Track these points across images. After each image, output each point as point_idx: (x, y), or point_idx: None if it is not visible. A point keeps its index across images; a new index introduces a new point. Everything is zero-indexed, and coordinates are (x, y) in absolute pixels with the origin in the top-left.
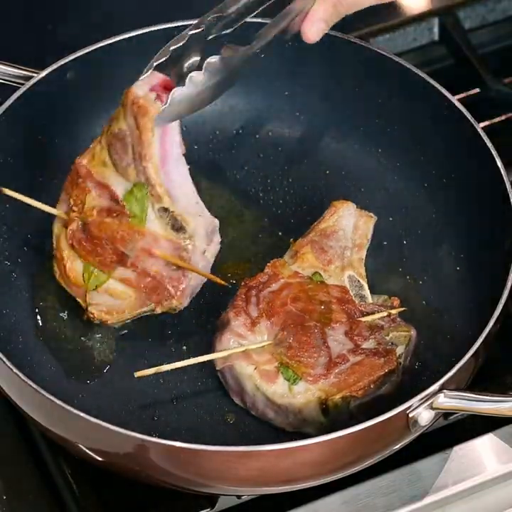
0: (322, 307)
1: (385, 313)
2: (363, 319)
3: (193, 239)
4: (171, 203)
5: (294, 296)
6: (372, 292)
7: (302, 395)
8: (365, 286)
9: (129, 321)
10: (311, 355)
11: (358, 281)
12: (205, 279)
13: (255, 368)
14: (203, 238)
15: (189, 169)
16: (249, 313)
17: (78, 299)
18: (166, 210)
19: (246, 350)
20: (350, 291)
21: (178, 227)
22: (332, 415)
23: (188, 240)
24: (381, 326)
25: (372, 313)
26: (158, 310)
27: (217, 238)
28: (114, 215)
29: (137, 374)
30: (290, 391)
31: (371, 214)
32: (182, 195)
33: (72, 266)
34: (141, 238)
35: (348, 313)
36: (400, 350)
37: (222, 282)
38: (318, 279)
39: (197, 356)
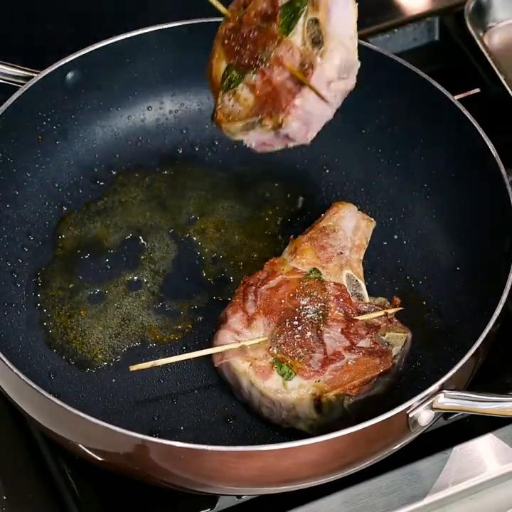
0: (319, 304)
1: (381, 313)
2: (360, 318)
3: (324, 58)
4: (325, 19)
5: (291, 292)
6: (371, 292)
7: (296, 390)
8: (363, 285)
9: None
10: (306, 351)
11: (356, 280)
12: (327, 116)
13: (251, 365)
14: (335, 67)
15: (189, 169)
16: (246, 310)
17: (214, 98)
18: (316, 21)
19: (242, 346)
20: (347, 290)
21: (317, 40)
22: (325, 412)
23: (319, 56)
24: (377, 326)
25: (370, 312)
26: (266, 122)
27: (352, 81)
28: (267, 18)
29: (132, 368)
30: (284, 386)
31: (371, 218)
32: (340, 21)
33: (218, 65)
34: (278, 46)
35: (344, 311)
36: (395, 351)
37: None
38: (316, 275)
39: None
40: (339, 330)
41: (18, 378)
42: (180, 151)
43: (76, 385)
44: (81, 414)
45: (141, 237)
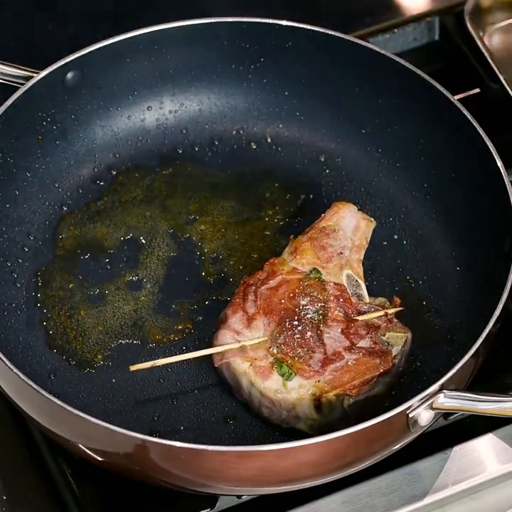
0: (319, 304)
1: (381, 313)
2: (360, 318)
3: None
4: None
5: (291, 292)
6: (371, 292)
7: (296, 390)
8: (363, 285)
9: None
10: (306, 351)
11: (356, 280)
12: None
13: (251, 365)
14: None
15: (189, 169)
16: (246, 310)
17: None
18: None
19: (242, 346)
20: (347, 290)
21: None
22: (325, 412)
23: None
24: (377, 326)
25: (370, 312)
26: None
27: None
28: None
29: (132, 368)
30: (284, 387)
31: (372, 218)
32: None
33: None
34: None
35: (344, 311)
36: (395, 351)
37: None
38: (316, 275)
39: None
40: (339, 330)
41: (18, 378)
42: (180, 151)
43: (76, 385)
44: (81, 414)
45: (141, 237)
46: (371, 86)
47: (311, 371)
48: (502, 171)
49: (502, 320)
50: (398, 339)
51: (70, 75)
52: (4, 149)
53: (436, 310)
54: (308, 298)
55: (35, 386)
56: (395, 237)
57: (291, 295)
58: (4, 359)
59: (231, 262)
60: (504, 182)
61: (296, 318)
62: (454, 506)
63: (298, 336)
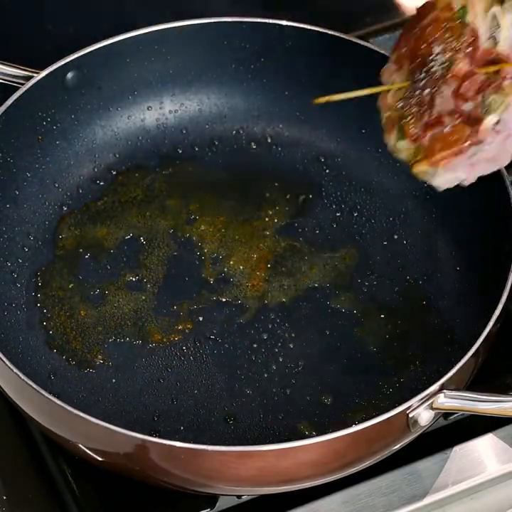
0: (448, 54)
1: (498, 67)
2: (483, 70)
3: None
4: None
5: (432, 35)
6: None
7: (403, 153)
8: (504, 27)
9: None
10: (418, 110)
11: (498, 22)
12: None
13: (388, 114)
14: None
15: (189, 169)
16: (400, 50)
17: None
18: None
19: (388, 90)
20: (484, 36)
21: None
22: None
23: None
24: (489, 83)
25: (494, 63)
26: None
27: None
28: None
29: (316, 100)
30: (396, 145)
31: None
32: None
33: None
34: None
35: (469, 62)
36: (492, 118)
37: None
38: (460, 14)
39: None
40: (452, 89)
41: (18, 378)
42: (180, 151)
43: (76, 385)
44: (81, 414)
45: (141, 237)
46: (371, 86)
47: (413, 134)
48: (502, 171)
49: (502, 320)
50: (496, 104)
51: (70, 75)
52: (4, 149)
53: (436, 310)
54: (442, 45)
55: (35, 386)
56: (395, 237)
57: (431, 40)
58: (4, 359)
59: (231, 262)
60: (504, 182)
61: (424, 69)
62: (454, 506)
63: (418, 91)
